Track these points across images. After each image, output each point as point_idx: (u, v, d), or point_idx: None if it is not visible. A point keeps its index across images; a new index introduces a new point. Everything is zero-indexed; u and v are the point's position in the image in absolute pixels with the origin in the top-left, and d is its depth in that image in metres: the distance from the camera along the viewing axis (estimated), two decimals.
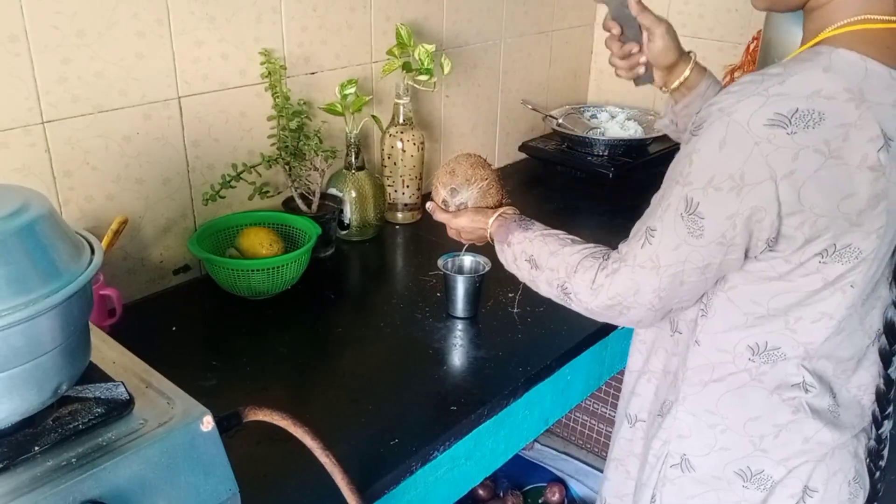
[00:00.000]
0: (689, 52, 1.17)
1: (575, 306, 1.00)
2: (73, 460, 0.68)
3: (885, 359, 0.96)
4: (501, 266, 1.51)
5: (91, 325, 0.78)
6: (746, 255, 0.88)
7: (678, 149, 0.92)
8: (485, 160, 1.20)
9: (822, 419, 0.95)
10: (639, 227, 0.93)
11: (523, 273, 1.07)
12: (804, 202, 0.82)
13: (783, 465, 0.97)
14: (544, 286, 1.04)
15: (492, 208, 1.15)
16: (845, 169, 0.81)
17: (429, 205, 1.20)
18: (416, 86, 1.68)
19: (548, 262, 1.02)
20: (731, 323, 0.94)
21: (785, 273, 0.88)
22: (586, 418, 2.27)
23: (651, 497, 1.06)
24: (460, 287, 1.36)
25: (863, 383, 0.99)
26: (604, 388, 2.15)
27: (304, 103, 1.52)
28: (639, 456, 1.12)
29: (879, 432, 1.00)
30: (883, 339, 0.96)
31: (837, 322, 0.91)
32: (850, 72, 0.82)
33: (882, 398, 0.98)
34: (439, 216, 1.18)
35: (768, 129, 0.79)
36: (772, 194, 0.81)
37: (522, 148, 2.14)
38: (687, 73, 1.15)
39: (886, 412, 0.99)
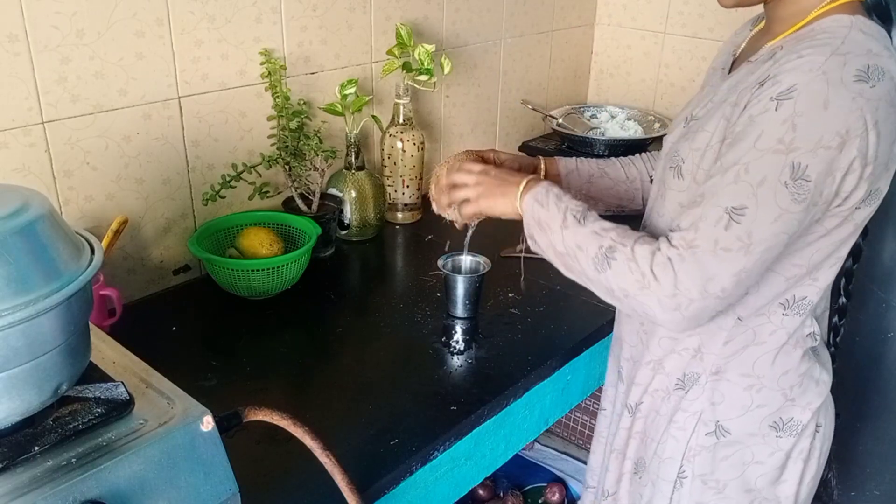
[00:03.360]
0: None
1: (612, 274, 0.92)
2: (73, 460, 0.68)
3: (855, 253, 1.06)
4: (501, 266, 1.51)
5: (91, 325, 0.77)
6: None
7: None
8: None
9: (820, 363, 1.07)
10: (706, 213, 0.88)
11: (555, 220, 0.97)
12: (878, 152, 0.86)
13: (808, 409, 1.04)
14: (580, 239, 0.94)
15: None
16: (889, 117, 0.86)
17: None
18: (416, 86, 1.68)
19: (599, 222, 0.95)
20: (774, 292, 0.98)
21: (832, 228, 0.93)
22: (586, 418, 2.27)
23: (679, 469, 1.08)
24: (460, 287, 1.36)
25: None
26: None
27: (304, 103, 1.52)
28: (637, 436, 1.15)
29: (841, 303, 1.14)
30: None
31: (842, 261, 0.98)
32: (877, 33, 0.89)
33: (849, 273, 1.11)
34: (469, 166, 1.10)
35: (858, 83, 0.84)
36: (864, 145, 0.85)
37: (522, 148, 2.14)
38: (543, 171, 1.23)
39: (850, 286, 1.13)
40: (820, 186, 0.86)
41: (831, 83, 0.83)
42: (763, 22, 1.04)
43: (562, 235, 0.97)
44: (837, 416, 1.12)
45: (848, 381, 1.61)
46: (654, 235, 0.95)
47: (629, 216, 1.18)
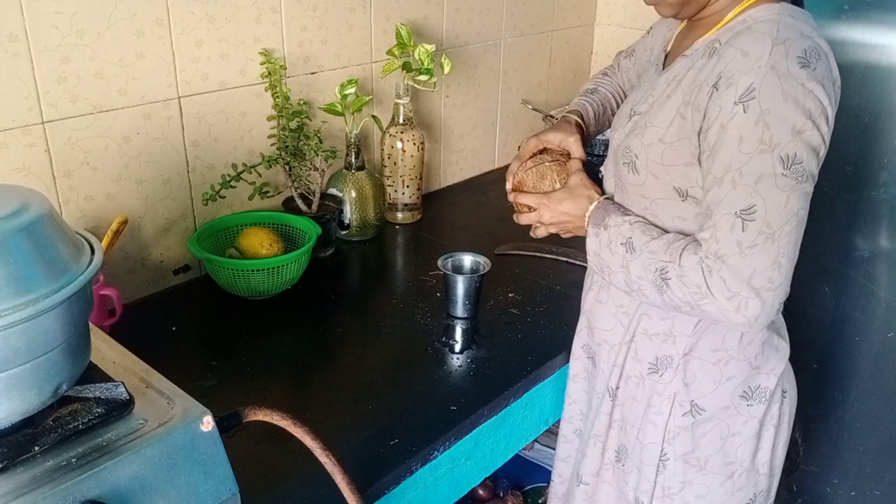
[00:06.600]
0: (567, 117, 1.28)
1: (672, 293, 0.97)
2: (73, 460, 0.68)
3: None
4: (501, 266, 1.52)
5: (91, 325, 0.78)
6: None
7: None
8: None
9: (777, 332, 1.11)
10: (718, 223, 0.92)
11: (615, 259, 1.04)
12: (829, 127, 0.91)
13: (773, 375, 1.09)
14: (637, 269, 1.01)
15: (586, 191, 1.15)
16: (833, 90, 0.92)
17: (509, 188, 1.21)
18: (416, 86, 1.68)
19: (648, 245, 1.00)
20: None
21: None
22: None
23: (661, 452, 1.10)
24: (460, 287, 1.36)
25: None
26: None
27: (304, 103, 1.52)
28: (616, 424, 1.17)
29: None
30: None
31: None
32: (802, 15, 0.95)
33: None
34: (528, 199, 1.17)
35: (801, 70, 0.88)
36: (824, 126, 0.90)
37: None
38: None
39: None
40: (811, 164, 0.91)
41: (781, 75, 0.88)
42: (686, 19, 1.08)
43: (624, 276, 1.03)
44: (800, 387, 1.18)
45: (848, 381, 1.62)
46: (685, 234, 1.00)
47: None
